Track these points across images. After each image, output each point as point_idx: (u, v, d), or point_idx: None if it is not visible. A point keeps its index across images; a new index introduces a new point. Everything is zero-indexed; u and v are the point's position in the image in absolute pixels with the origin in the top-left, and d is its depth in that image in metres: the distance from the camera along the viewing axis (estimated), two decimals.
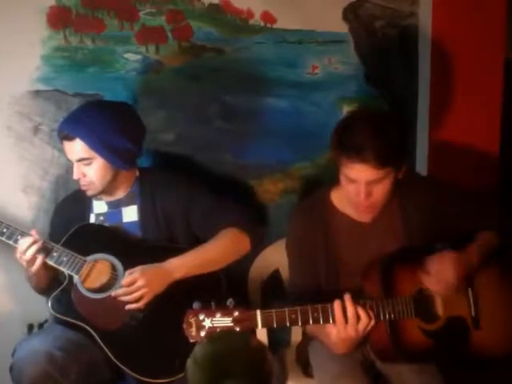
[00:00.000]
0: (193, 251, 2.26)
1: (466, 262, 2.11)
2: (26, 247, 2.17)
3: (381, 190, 2.12)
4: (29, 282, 2.32)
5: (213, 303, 1.91)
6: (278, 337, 2.47)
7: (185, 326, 1.89)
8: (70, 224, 2.30)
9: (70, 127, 2.22)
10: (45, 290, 2.31)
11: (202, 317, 1.89)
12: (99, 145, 2.21)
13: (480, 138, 2.93)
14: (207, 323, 1.88)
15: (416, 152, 2.89)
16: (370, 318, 2.03)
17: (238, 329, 1.89)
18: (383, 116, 2.21)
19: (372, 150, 2.02)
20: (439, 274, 2.08)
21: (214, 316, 1.89)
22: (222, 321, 1.89)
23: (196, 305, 1.89)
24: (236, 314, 1.90)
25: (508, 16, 2.90)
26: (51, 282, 2.29)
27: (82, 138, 2.20)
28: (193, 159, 2.68)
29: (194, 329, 1.88)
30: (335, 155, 2.11)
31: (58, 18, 2.50)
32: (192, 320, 1.89)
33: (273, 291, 2.52)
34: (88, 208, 2.36)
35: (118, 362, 2.18)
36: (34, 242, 2.17)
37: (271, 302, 2.15)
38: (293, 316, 1.98)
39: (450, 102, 2.89)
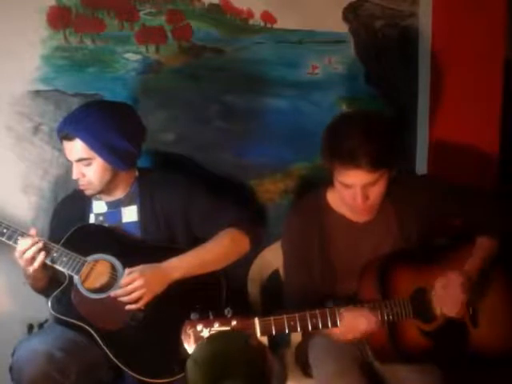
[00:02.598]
0: (192, 251, 2.26)
1: (469, 280, 2.13)
2: (26, 247, 2.16)
3: (377, 192, 2.13)
4: (26, 281, 2.31)
5: (210, 313, 1.89)
6: (278, 337, 2.47)
7: (183, 337, 1.87)
8: (70, 224, 2.29)
9: (71, 127, 2.21)
10: (43, 290, 2.31)
11: (199, 327, 1.87)
12: (99, 145, 2.21)
13: (480, 138, 2.93)
14: (205, 333, 1.86)
15: (416, 152, 2.89)
16: (374, 322, 2.04)
17: None
18: (370, 117, 2.20)
19: (364, 155, 2.02)
20: (451, 300, 2.11)
21: (212, 326, 1.87)
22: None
23: (194, 316, 1.88)
24: (234, 323, 1.89)
25: (508, 16, 2.91)
26: (49, 282, 2.28)
27: (82, 138, 2.20)
28: (193, 159, 2.68)
29: (192, 340, 1.86)
30: (327, 161, 2.11)
31: (58, 18, 2.50)
32: (190, 331, 1.86)
33: (272, 291, 2.52)
34: (87, 208, 2.36)
35: (118, 362, 2.18)
36: (35, 243, 2.17)
37: (272, 307, 2.13)
38: (291, 323, 1.98)
39: (450, 102, 2.89)
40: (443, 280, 2.12)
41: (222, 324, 1.88)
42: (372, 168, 2.04)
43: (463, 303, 2.12)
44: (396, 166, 2.16)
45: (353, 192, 2.10)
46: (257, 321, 1.93)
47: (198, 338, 1.86)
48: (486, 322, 2.20)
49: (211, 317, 1.89)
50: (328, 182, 2.24)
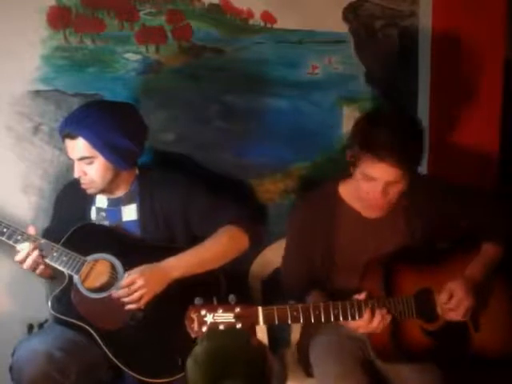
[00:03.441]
0: (191, 250, 2.26)
1: (473, 283, 2.14)
2: (26, 255, 2.17)
3: (397, 190, 2.14)
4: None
5: (214, 299, 1.90)
6: (279, 336, 2.47)
7: (187, 321, 1.89)
8: (72, 212, 2.31)
9: (73, 126, 2.21)
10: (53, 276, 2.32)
11: (203, 312, 1.88)
12: (101, 144, 2.20)
13: (480, 138, 2.93)
14: (209, 319, 1.87)
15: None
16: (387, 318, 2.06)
17: (239, 325, 1.89)
18: (406, 118, 2.22)
19: (397, 153, 2.03)
20: (459, 305, 2.11)
21: (216, 311, 1.88)
22: (223, 316, 1.89)
23: (198, 300, 1.89)
24: (238, 310, 1.90)
25: (508, 16, 2.91)
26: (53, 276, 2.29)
27: (85, 137, 2.19)
28: (193, 159, 2.68)
29: (195, 324, 1.88)
30: (356, 152, 2.10)
31: (58, 18, 2.50)
32: (194, 315, 1.88)
33: (273, 290, 2.52)
34: (90, 199, 2.35)
35: (117, 362, 2.18)
36: (34, 249, 2.17)
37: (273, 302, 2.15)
38: (294, 313, 1.99)
39: (450, 102, 2.89)
40: (448, 292, 2.12)
41: (225, 310, 1.89)
42: (400, 166, 2.05)
43: (470, 308, 2.13)
44: (417, 169, 2.18)
45: (375, 186, 2.10)
46: (260, 309, 1.94)
47: (201, 322, 1.87)
48: (487, 324, 2.20)
49: (215, 302, 1.90)
50: (341, 175, 2.25)
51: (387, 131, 2.06)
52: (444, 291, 2.13)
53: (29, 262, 2.17)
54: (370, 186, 2.12)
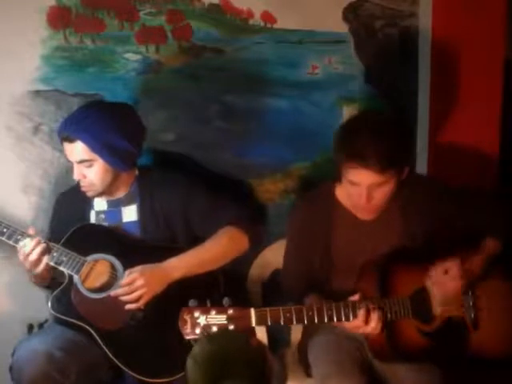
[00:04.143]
0: (192, 251, 2.26)
1: (468, 269, 2.13)
2: (30, 249, 2.17)
3: (382, 193, 2.13)
4: (31, 280, 2.31)
5: (208, 301, 1.92)
6: (278, 337, 2.47)
7: (180, 323, 1.90)
8: (71, 219, 2.30)
9: (71, 129, 2.21)
10: (48, 287, 2.31)
11: (196, 314, 1.90)
12: (100, 147, 2.20)
13: (480, 139, 2.93)
14: (202, 320, 1.89)
15: (416, 152, 2.89)
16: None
17: (232, 326, 1.90)
18: (385, 119, 2.22)
19: (374, 156, 2.03)
20: (448, 282, 2.11)
21: (209, 313, 1.90)
22: (216, 318, 1.90)
23: (192, 303, 1.91)
24: (230, 311, 1.91)
25: (508, 16, 2.91)
26: (53, 280, 2.29)
27: (83, 140, 2.19)
28: (193, 159, 2.68)
29: (188, 326, 1.89)
30: (337, 158, 2.12)
31: (58, 18, 2.50)
32: (187, 317, 1.90)
33: (273, 291, 2.52)
34: (88, 203, 2.36)
35: (117, 362, 2.18)
36: (38, 244, 2.17)
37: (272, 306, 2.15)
38: (287, 315, 1.99)
39: (450, 102, 2.89)
40: (443, 268, 2.12)
41: (218, 312, 1.90)
42: (380, 169, 2.05)
43: (459, 290, 2.13)
44: (406, 170, 2.17)
45: (358, 190, 2.11)
46: (252, 311, 1.95)
47: (194, 324, 1.89)
48: (486, 323, 2.20)
49: (209, 304, 1.91)
50: (336, 178, 2.25)
51: (365, 136, 2.06)
52: (440, 266, 2.13)
53: (33, 256, 2.17)
54: (355, 191, 2.13)
